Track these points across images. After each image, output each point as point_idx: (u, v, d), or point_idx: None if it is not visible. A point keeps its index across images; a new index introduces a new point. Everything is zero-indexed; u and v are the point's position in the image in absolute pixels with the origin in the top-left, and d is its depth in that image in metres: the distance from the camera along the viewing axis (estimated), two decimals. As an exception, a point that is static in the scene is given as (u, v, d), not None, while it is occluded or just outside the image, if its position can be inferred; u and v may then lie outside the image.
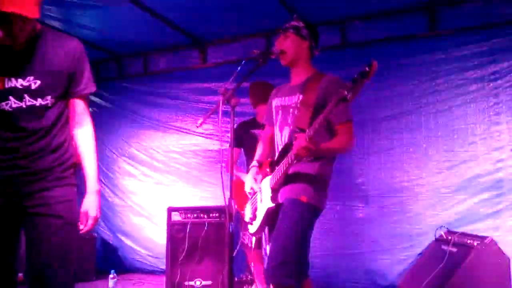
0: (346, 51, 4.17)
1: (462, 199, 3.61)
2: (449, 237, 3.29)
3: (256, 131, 3.58)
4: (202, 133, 4.74)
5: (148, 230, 4.89)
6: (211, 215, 3.96)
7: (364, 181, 3.99)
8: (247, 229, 3.47)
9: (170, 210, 4.01)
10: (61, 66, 1.83)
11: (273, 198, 2.25)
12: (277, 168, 2.24)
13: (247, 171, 3.49)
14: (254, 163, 2.54)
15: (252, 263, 3.62)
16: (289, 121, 2.31)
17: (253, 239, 3.48)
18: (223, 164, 3.68)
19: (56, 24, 4.21)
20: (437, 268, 3.14)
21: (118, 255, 4.98)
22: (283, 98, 2.41)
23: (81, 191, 1.95)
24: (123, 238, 5.01)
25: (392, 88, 3.95)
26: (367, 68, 1.78)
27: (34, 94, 1.78)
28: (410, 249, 3.71)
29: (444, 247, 3.25)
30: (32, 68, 1.78)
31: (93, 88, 1.95)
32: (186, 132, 4.87)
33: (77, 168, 1.96)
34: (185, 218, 3.98)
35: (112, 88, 5.27)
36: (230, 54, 4.65)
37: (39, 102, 1.80)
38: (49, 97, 1.82)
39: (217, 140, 4.59)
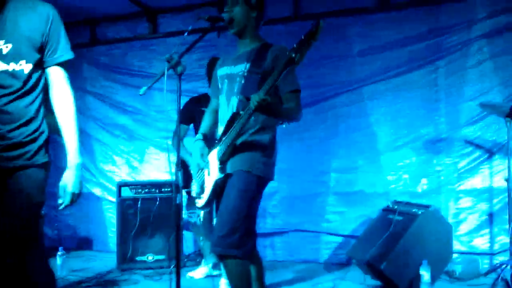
0: (298, 24, 4.12)
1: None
2: (395, 207, 3.40)
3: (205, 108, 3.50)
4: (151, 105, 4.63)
5: (101, 205, 4.77)
6: (162, 189, 3.90)
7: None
8: (194, 207, 3.47)
9: (120, 185, 3.91)
10: (34, 30, 1.74)
11: (222, 169, 2.21)
12: (224, 138, 2.19)
13: None
14: (199, 136, 2.45)
15: (201, 239, 3.62)
16: (236, 90, 2.25)
17: (201, 215, 3.47)
18: (169, 141, 3.66)
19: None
20: (383, 237, 3.23)
21: (70, 232, 4.84)
22: (229, 67, 2.34)
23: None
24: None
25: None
26: (313, 29, 1.74)
27: (6, 58, 1.70)
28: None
29: (390, 216, 3.35)
30: (3, 32, 1.70)
31: (70, 55, 1.85)
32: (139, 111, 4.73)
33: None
34: (136, 194, 3.89)
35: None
36: (182, 23, 4.50)
37: (12, 67, 1.71)
38: (23, 62, 1.73)
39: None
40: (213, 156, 2.28)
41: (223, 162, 2.22)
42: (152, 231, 3.87)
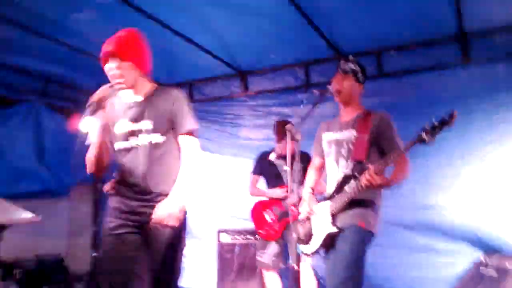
0: (382, 81, 4.41)
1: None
2: (487, 260, 3.46)
3: (275, 161, 3.92)
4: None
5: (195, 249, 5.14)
6: (257, 236, 4.22)
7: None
8: (264, 248, 3.77)
9: (219, 231, 4.30)
10: (165, 110, 2.33)
11: (334, 224, 2.50)
12: (336, 195, 2.50)
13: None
14: (308, 189, 2.81)
15: (268, 281, 3.84)
16: (344, 154, 2.58)
17: (270, 257, 3.76)
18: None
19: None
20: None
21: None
22: (336, 133, 2.68)
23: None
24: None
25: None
26: (447, 118, 2.04)
27: (148, 132, 2.29)
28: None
29: (482, 269, 3.42)
30: (147, 115, 2.32)
31: (193, 126, 2.35)
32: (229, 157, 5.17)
33: None
34: (233, 239, 4.26)
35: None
36: (270, 83, 4.96)
37: (154, 139, 2.29)
38: (158, 135, 2.30)
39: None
40: (324, 209, 2.58)
41: (334, 216, 2.51)
42: (248, 274, 4.19)
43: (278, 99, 4.92)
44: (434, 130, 2.08)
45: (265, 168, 3.99)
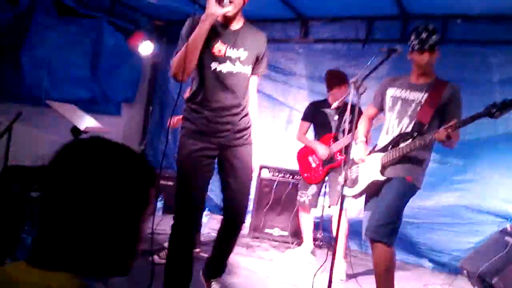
0: (444, 47, 4.41)
1: None
2: (514, 230, 3.67)
3: (326, 110, 4.04)
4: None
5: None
6: (295, 176, 4.51)
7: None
8: (306, 190, 4.02)
9: (261, 167, 4.59)
10: (256, 48, 2.50)
11: (382, 173, 2.71)
12: (390, 149, 2.69)
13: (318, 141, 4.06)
14: (362, 138, 2.97)
15: (303, 218, 4.14)
16: (409, 113, 2.70)
17: (308, 197, 4.02)
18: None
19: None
20: (497, 255, 3.53)
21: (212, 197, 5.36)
22: (404, 91, 2.77)
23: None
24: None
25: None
26: None
27: (242, 62, 2.44)
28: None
29: (507, 237, 3.63)
30: (243, 44, 2.43)
31: (266, 71, 2.66)
32: (281, 103, 5.34)
33: None
34: (273, 176, 4.55)
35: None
36: (331, 33, 5.01)
37: (244, 69, 2.45)
38: (249, 68, 2.47)
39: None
40: (374, 159, 2.79)
41: (384, 167, 2.72)
42: (281, 209, 4.52)
43: (336, 50, 4.98)
44: (504, 108, 2.19)
45: (315, 116, 4.12)
